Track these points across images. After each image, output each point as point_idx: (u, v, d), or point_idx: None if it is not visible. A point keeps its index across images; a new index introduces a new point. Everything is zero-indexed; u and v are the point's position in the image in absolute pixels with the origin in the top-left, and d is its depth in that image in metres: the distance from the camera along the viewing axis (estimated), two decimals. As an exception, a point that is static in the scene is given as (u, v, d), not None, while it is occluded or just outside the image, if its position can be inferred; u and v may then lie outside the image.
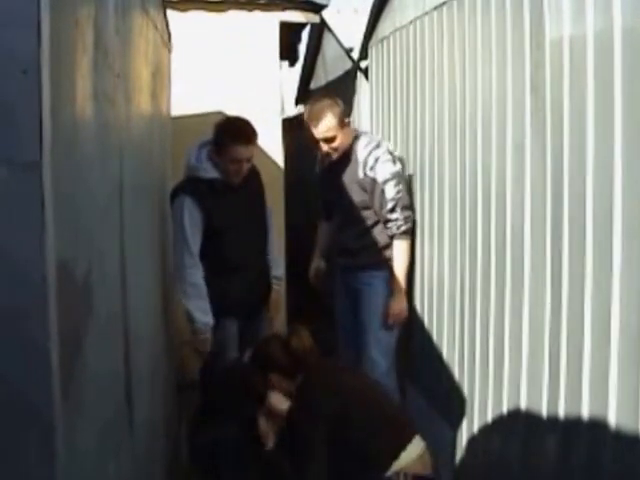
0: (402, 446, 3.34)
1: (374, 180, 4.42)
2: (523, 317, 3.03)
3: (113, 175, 2.33)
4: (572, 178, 2.62)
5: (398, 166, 4.49)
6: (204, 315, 4.29)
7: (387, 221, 4.45)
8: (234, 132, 4.25)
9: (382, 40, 5.27)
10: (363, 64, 5.96)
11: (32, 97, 1.30)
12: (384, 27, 5.22)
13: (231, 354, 4.50)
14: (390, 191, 4.40)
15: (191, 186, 4.31)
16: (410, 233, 4.48)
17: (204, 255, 4.33)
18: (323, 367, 3.61)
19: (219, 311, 4.44)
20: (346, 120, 4.51)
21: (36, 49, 1.31)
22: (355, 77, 6.32)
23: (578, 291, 2.56)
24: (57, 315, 1.38)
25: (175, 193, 4.35)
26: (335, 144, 4.49)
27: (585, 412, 2.53)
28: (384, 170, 4.41)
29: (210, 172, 4.31)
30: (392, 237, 4.47)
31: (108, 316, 2.13)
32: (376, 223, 4.51)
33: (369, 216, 4.51)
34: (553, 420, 2.76)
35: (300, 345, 3.59)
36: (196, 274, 4.29)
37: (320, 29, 8.13)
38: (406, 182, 4.55)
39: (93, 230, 1.91)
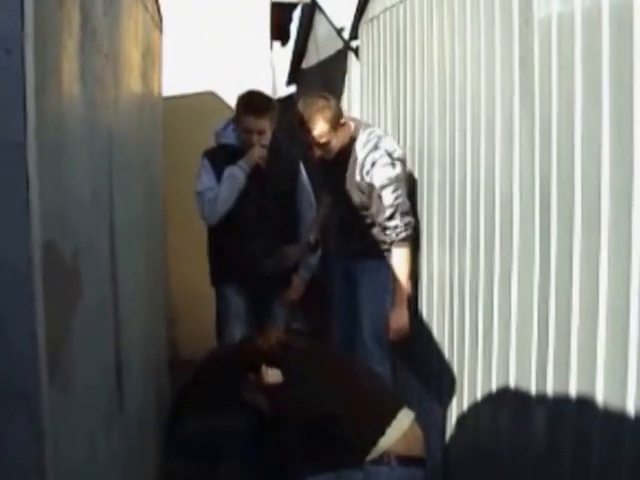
0: (382, 430, 3.33)
1: (371, 185, 4.21)
2: (512, 296, 3.04)
3: (102, 156, 2.33)
4: (560, 152, 2.62)
5: (397, 169, 4.20)
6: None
7: (385, 228, 4.21)
8: (245, 102, 4.48)
9: (372, 20, 5.25)
10: (354, 44, 5.93)
11: (16, 78, 1.30)
12: (374, 6, 5.20)
13: (235, 330, 4.53)
14: (388, 197, 4.16)
15: (212, 150, 4.70)
16: (410, 239, 4.22)
17: None
18: (303, 356, 3.60)
19: (220, 276, 4.57)
20: (341, 121, 4.30)
21: (19, 29, 1.30)
22: (346, 57, 6.30)
23: (566, 269, 2.57)
24: (43, 295, 1.39)
25: (202, 155, 4.69)
26: (329, 148, 4.34)
27: (573, 388, 2.55)
28: (382, 175, 4.17)
29: (228, 138, 4.63)
30: (391, 244, 4.21)
31: (97, 297, 2.14)
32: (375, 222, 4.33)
33: (369, 215, 4.34)
34: (541, 396, 2.78)
35: (267, 345, 3.58)
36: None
37: (311, 9, 8.08)
38: (407, 183, 4.29)
39: (81, 212, 1.91)
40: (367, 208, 4.31)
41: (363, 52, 5.61)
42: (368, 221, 4.37)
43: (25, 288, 1.35)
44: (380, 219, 4.22)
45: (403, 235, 4.17)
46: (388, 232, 4.20)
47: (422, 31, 4.16)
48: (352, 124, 4.45)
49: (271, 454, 3.53)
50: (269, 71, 6.59)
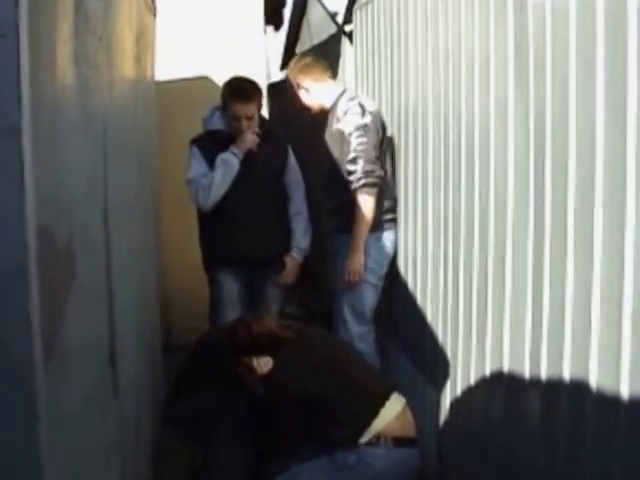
0: (375, 412, 3.36)
1: (342, 132, 4.41)
2: (506, 279, 3.05)
3: (96, 140, 2.32)
4: (554, 139, 2.62)
5: (366, 119, 4.39)
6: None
7: (348, 173, 4.36)
8: (232, 89, 4.53)
9: (366, 4, 5.24)
10: (347, 28, 5.92)
11: (11, 61, 1.30)
12: (369, -10, 5.19)
13: (229, 315, 4.53)
14: (353, 142, 4.34)
15: (200, 137, 4.73)
16: (373, 187, 4.34)
17: None
18: (295, 342, 3.60)
19: (213, 261, 4.59)
20: (314, 77, 4.67)
21: (14, 13, 1.30)
22: (340, 41, 6.29)
23: (560, 250, 2.58)
24: (38, 280, 1.39)
25: (190, 143, 4.72)
26: (305, 104, 4.77)
27: (567, 372, 2.56)
28: (350, 123, 4.37)
29: (216, 124, 4.66)
30: (354, 191, 4.35)
31: (92, 280, 2.14)
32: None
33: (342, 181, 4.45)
34: (535, 379, 2.80)
35: (262, 331, 3.59)
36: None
37: (305, -7, 8.08)
38: (377, 136, 4.45)
39: (76, 196, 1.91)
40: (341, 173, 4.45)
41: (357, 37, 5.60)
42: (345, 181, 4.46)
43: (20, 272, 1.35)
44: (344, 165, 4.39)
45: (363, 182, 4.31)
46: (350, 177, 4.34)
47: (416, 16, 4.16)
48: (338, 89, 4.76)
49: (265, 436, 3.54)
50: (263, 56, 6.57)
